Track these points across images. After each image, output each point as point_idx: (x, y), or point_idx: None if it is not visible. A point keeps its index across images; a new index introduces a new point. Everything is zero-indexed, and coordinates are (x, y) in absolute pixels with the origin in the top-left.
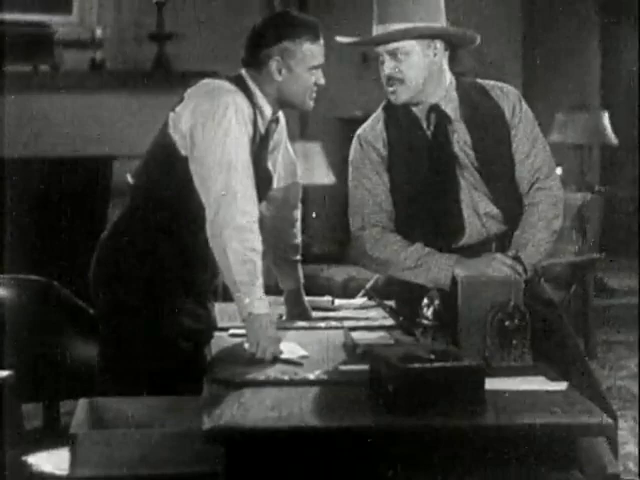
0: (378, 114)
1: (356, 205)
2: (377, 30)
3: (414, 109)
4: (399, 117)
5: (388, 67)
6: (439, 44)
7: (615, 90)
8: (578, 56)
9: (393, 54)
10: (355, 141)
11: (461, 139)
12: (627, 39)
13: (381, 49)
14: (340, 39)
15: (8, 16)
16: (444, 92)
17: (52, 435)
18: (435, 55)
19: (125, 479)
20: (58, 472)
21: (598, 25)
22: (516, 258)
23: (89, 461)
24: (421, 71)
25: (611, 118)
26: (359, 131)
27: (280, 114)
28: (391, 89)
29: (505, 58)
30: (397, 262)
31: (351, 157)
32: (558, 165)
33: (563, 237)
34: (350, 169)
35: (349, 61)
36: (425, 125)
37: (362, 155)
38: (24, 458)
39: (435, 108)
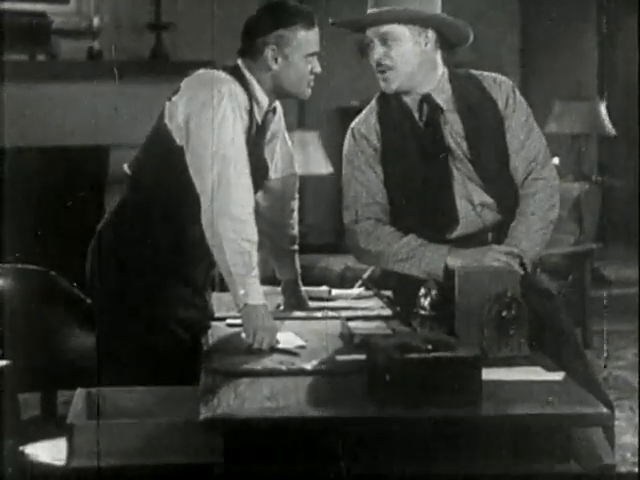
0: (371, 106)
1: (349, 198)
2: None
3: (406, 99)
4: (392, 108)
5: (377, 53)
6: (431, 34)
7: (612, 80)
8: (575, 46)
9: (383, 39)
10: (349, 134)
11: (453, 130)
12: (625, 29)
13: (372, 34)
14: (332, 20)
15: (5, 5)
16: (436, 82)
17: (49, 425)
18: (426, 44)
19: (122, 469)
20: (55, 462)
21: (595, 14)
22: (512, 253)
23: (86, 451)
24: (411, 58)
25: (608, 108)
26: (352, 124)
27: (277, 104)
28: (382, 76)
29: (502, 48)
30: (390, 254)
31: (345, 150)
32: (555, 155)
33: (560, 227)
34: (344, 162)
35: (347, 50)
36: (417, 116)
37: (355, 148)
38: (21, 448)
39: (427, 98)
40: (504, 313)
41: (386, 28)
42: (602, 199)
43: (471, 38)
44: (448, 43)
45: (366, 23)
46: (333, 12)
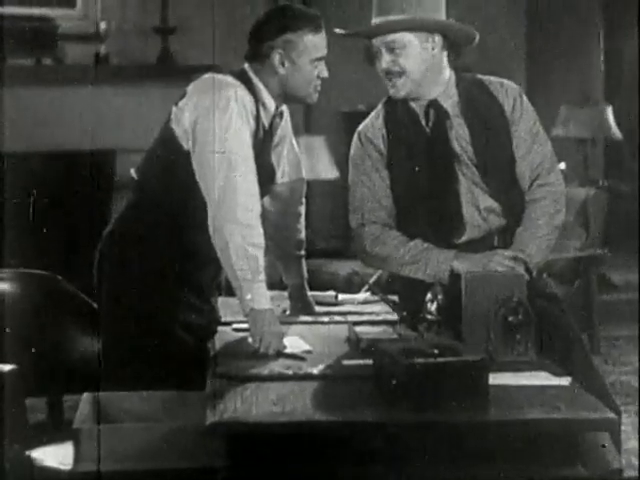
0: (378, 110)
1: (356, 202)
2: (376, 22)
3: (413, 105)
4: (398, 113)
5: (385, 61)
6: (438, 38)
7: (619, 84)
8: (581, 50)
9: (390, 48)
10: (355, 138)
11: (460, 135)
12: (630, 33)
13: (379, 42)
14: (338, 30)
15: (11, 10)
16: (443, 87)
17: (56, 429)
18: (433, 49)
19: (128, 474)
20: (62, 467)
21: (601, 19)
22: (518, 258)
23: (93, 456)
24: (419, 64)
25: (615, 112)
26: (359, 128)
27: (284, 108)
28: (390, 83)
29: (508, 52)
30: (396, 258)
31: (351, 154)
32: (561, 160)
33: (567, 232)
34: (350, 166)
35: (354, 54)
36: (424, 121)
37: (362, 152)
38: (27, 452)
39: (434, 104)
40: (511, 318)
41: (393, 36)
42: (608, 204)
43: (477, 38)
44: (454, 44)
45: (372, 33)
46: (340, 15)
